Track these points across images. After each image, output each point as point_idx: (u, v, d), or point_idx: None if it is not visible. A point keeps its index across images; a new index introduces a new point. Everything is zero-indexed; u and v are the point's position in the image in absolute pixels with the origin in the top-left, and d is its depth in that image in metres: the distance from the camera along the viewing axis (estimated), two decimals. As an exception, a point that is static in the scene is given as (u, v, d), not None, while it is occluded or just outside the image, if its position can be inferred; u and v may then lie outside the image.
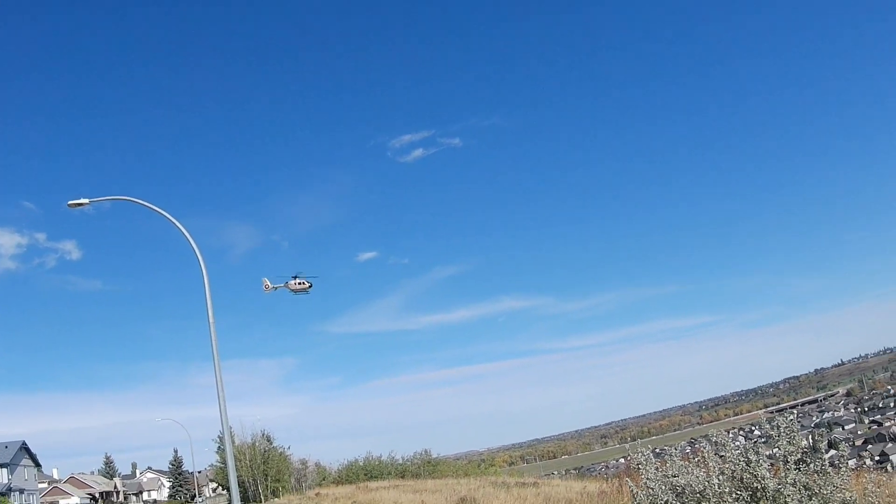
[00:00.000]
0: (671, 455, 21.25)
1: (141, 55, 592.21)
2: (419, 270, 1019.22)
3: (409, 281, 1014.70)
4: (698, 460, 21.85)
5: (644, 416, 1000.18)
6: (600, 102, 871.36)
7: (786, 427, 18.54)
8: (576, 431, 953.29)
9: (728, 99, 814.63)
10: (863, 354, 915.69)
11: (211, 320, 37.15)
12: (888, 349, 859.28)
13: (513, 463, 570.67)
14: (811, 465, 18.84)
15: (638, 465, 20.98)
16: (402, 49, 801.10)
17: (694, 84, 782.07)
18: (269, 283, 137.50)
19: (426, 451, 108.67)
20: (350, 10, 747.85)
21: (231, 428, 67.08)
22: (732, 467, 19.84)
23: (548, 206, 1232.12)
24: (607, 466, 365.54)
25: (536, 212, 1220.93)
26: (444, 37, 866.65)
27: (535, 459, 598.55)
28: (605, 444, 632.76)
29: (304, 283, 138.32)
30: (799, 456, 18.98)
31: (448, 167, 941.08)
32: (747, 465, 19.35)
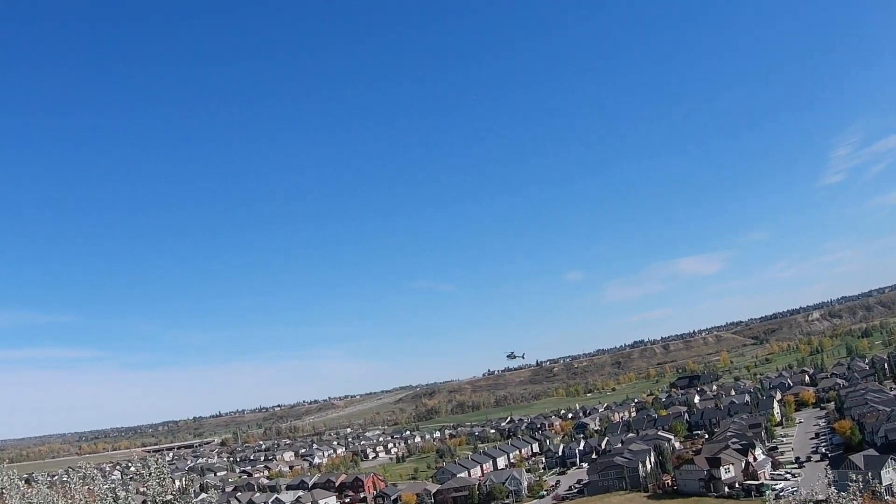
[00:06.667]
0: (40, 482, 22.61)
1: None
2: None
3: None
4: (65, 490, 24.35)
5: (24, 439, 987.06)
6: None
7: (156, 468, 20.82)
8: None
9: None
10: (240, 409, 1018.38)
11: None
12: (263, 408, 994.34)
13: None
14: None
15: (2, 489, 21.68)
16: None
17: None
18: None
19: None
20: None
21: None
22: (101, 501, 21.14)
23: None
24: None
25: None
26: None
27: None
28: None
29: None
30: (169, 497, 20.88)
31: None
32: (115, 501, 20.61)
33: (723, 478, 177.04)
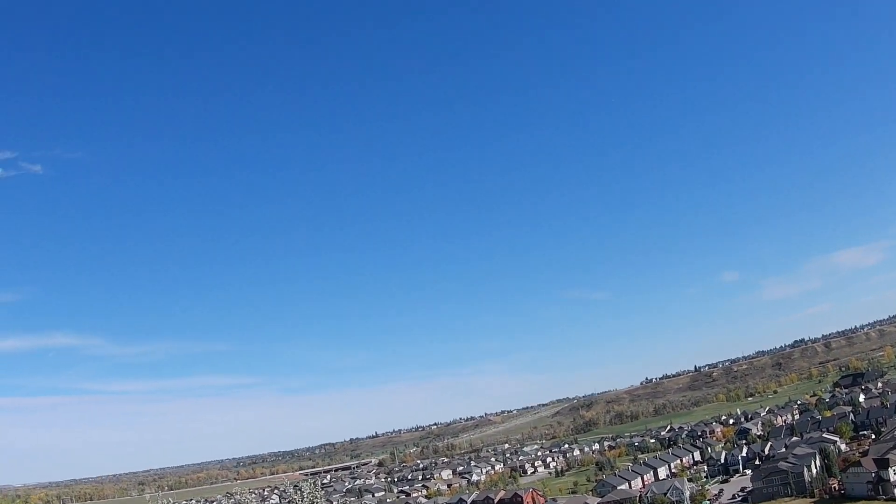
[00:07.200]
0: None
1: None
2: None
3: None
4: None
5: (183, 466, 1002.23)
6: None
7: (308, 492, 34.16)
8: (114, 475, 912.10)
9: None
10: (396, 429, 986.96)
11: None
12: (419, 426, 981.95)
13: (49, 502, 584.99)
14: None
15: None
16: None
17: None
18: None
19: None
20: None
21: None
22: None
23: (108, 246, 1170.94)
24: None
25: (94, 249, 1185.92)
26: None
27: (72, 500, 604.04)
28: (143, 491, 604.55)
29: None
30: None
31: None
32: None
33: (891, 479, 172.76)
